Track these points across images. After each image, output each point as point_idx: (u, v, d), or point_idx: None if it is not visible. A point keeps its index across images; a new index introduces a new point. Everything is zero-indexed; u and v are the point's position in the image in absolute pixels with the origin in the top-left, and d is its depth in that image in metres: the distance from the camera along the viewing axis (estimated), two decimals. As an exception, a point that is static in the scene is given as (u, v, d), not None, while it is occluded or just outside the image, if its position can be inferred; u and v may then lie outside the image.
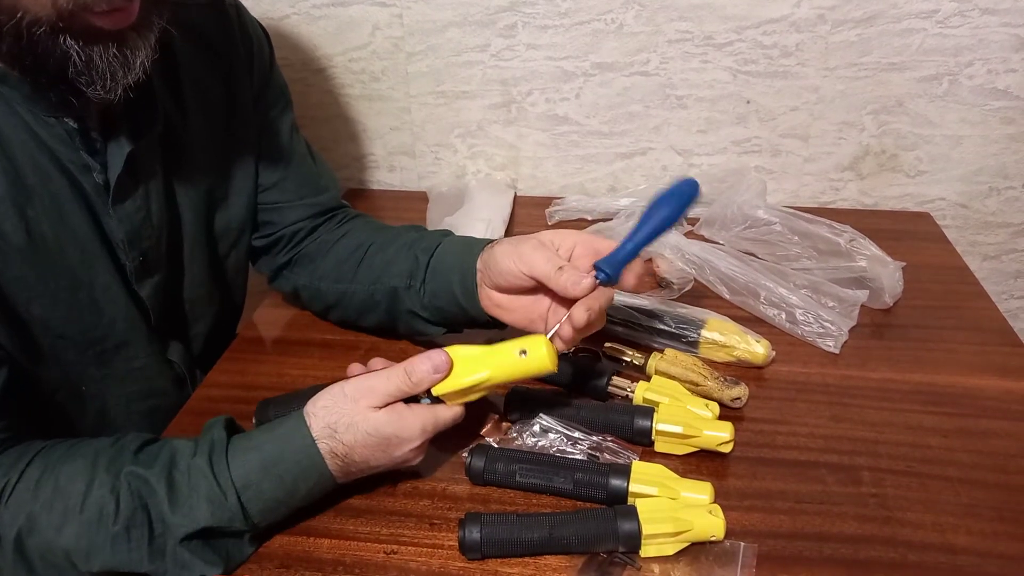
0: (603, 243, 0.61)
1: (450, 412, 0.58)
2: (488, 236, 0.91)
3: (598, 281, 0.59)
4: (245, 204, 0.76)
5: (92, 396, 0.66)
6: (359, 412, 0.55)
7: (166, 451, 0.55)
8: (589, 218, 1.00)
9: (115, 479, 0.53)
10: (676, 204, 0.60)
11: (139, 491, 0.52)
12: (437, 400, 0.57)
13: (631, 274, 0.59)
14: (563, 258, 0.61)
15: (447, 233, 0.75)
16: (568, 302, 0.59)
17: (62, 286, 0.60)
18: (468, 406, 0.59)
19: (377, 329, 0.78)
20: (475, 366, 0.57)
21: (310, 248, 0.80)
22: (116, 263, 0.64)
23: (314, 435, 0.55)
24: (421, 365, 0.56)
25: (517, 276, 0.61)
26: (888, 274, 0.80)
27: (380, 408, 0.56)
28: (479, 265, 0.66)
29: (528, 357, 0.56)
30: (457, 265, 0.68)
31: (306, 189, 0.80)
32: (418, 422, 0.56)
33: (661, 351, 0.71)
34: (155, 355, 0.70)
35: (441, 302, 0.69)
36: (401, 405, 0.56)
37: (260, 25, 0.77)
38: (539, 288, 0.62)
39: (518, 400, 0.65)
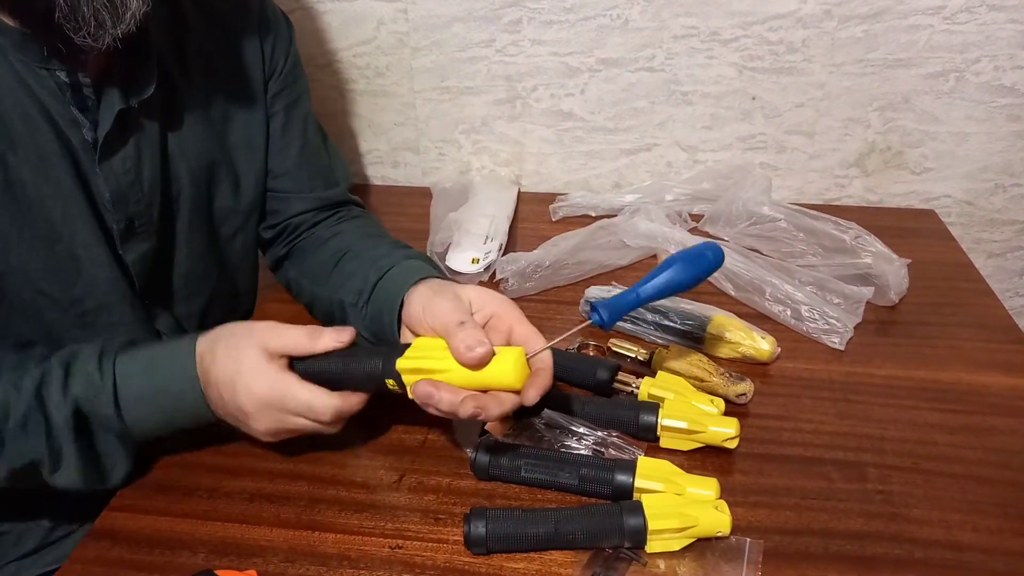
0: (527, 327, 0.57)
1: (322, 400, 0.56)
2: (491, 233, 0.92)
3: (589, 321, 0.55)
4: (254, 186, 0.75)
5: None
6: (251, 339, 0.57)
7: (71, 348, 0.58)
8: (593, 214, 0.99)
9: (19, 377, 0.55)
10: (694, 270, 0.56)
11: (38, 384, 0.55)
12: (401, 386, 0.55)
13: (535, 388, 0.53)
14: (476, 321, 0.56)
15: (412, 255, 0.71)
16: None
17: (38, 236, 0.60)
18: None
19: None
20: (441, 355, 0.54)
21: (305, 243, 0.80)
22: (101, 224, 0.63)
23: (198, 339, 0.58)
24: (327, 330, 0.58)
25: (426, 328, 0.58)
26: (894, 271, 0.79)
27: (266, 351, 0.57)
28: (404, 306, 0.62)
29: (496, 361, 0.52)
30: (394, 295, 0.64)
31: (317, 181, 0.79)
32: (267, 387, 0.56)
33: (666, 347, 0.71)
34: (140, 324, 0.68)
35: (377, 328, 0.66)
36: (279, 366, 0.57)
37: (283, 14, 0.77)
38: None
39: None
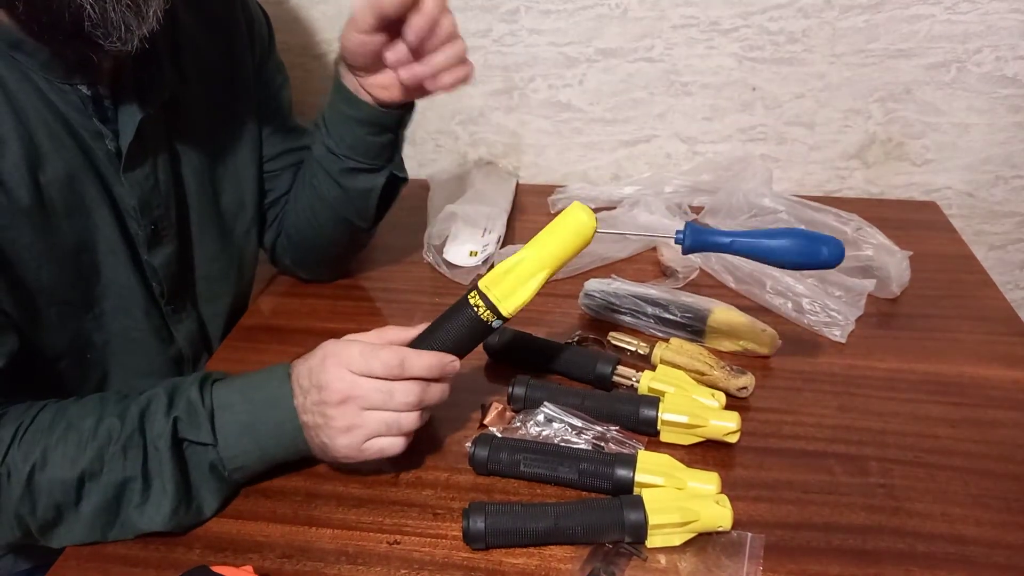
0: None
1: (389, 349, 0.54)
2: (489, 225, 0.91)
3: (675, 239, 0.61)
4: (254, 177, 0.77)
5: (95, 363, 0.67)
6: (332, 341, 0.57)
7: (170, 380, 0.58)
8: (592, 206, 0.98)
9: (124, 409, 0.55)
10: (803, 258, 0.58)
11: (142, 411, 0.55)
12: (492, 307, 0.57)
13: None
14: None
15: None
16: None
17: (67, 251, 0.61)
18: (467, 397, 0.58)
19: (343, 227, 0.78)
20: (511, 260, 0.57)
21: (287, 207, 0.81)
22: (123, 231, 0.64)
23: (292, 363, 0.57)
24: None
25: (367, 35, 0.61)
26: (895, 263, 0.79)
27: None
28: (340, 70, 0.68)
29: (564, 217, 0.57)
30: (331, 90, 0.70)
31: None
32: (340, 347, 0.54)
33: (666, 340, 0.70)
34: (153, 331, 0.69)
35: (343, 130, 0.70)
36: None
37: (259, 3, 0.78)
38: (387, 35, 0.61)
39: (522, 389, 0.64)
